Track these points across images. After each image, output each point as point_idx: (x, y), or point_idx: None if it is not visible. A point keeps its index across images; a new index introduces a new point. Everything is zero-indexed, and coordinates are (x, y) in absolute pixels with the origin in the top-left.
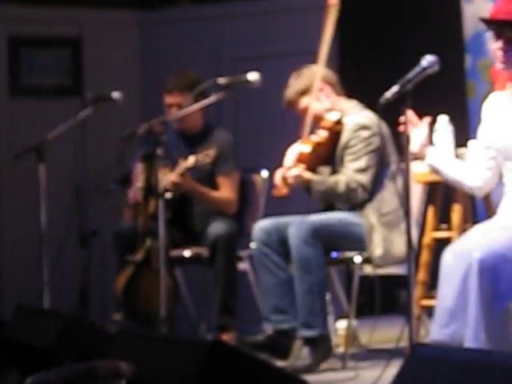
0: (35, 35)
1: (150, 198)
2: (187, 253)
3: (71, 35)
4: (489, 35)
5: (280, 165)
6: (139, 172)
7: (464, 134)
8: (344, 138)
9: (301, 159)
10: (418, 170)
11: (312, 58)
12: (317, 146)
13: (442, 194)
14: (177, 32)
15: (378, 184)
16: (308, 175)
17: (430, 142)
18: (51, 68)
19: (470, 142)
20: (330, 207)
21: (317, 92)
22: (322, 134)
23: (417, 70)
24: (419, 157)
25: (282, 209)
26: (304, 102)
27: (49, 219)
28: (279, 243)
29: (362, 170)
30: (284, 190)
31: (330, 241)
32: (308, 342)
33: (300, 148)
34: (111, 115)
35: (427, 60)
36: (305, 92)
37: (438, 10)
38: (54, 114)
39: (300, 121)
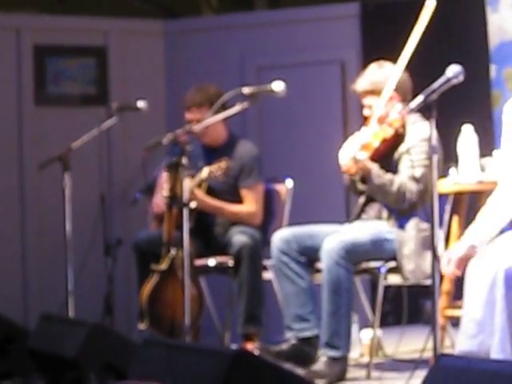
0: (60, 44)
1: (174, 207)
2: (212, 262)
3: (96, 45)
4: None
5: (303, 175)
6: (164, 181)
7: (489, 143)
8: (407, 143)
9: (367, 148)
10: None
11: (337, 67)
12: (383, 141)
13: (466, 203)
14: (202, 41)
15: (423, 201)
16: (371, 164)
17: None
18: (76, 77)
19: (495, 152)
20: (358, 216)
21: (387, 99)
22: (388, 132)
23: (442, 80)
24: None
25: (306, 218)
26: (368, 100)
27: (74, 228)
28: (298, 252)
29: (415, 180)
30: (353, 169)
31: (361, 259)
32: (328, 358)
33: (369, 138)
34: (136, 124)
35: (452, 70)
36: (372, 92)
37: (463, 20)
38: (79, 123)
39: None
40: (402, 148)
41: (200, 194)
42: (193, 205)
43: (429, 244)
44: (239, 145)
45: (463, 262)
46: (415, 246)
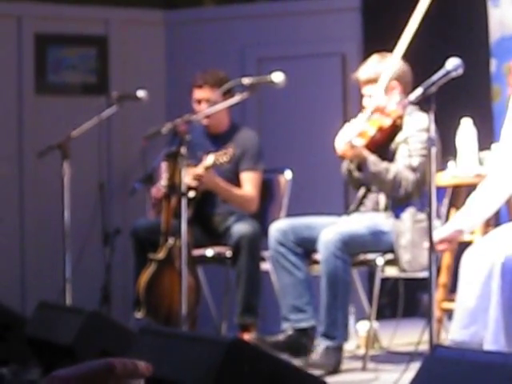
0: (61, 33)
1: (173, 196)
2: (209, 252)
3: (97, 34)
4: None
5: (304, 166)
6: (163, 171)
7: (488, 137)
8: (404, 133)
9: (363, 135)
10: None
11: (338, 59)
12: (379, 130)
13: (464, 197)
14: (202, 31)
15: (419, 190)
16: (366, 152)
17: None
18: (77, 66)
19: (494, 146)
20: (357, 208)
21: (388, 89)
22: (386, 121)
23: (441, 72)
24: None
25: (304, 209)
26: (368, 90)
27: (72, 217)
28: (295, 243)
29: (412, 169)
30: (349, 153)
31: (358, 251)
32: (325, 349)
33: (365, 126)
34: (136, 114)
35: (452, 63)
36: (373, 81)
37: (464, 14)
38: (79, 112)
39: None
40: (399, 138)
41: (212, 173)
42: (191, 194)
43: (425, 235)
44: (241, 132)
45: (446, 244)
46: (412, 237)
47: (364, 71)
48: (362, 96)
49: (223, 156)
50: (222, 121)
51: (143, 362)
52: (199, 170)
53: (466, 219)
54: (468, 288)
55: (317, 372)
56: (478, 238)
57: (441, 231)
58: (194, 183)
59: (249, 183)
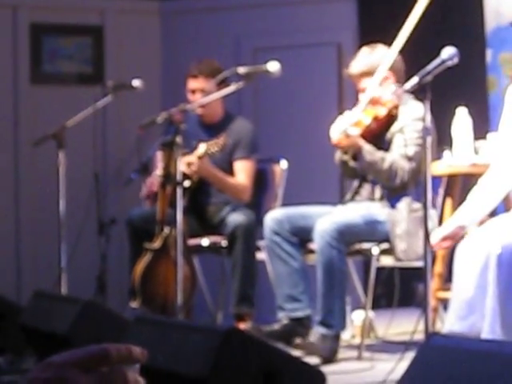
0: (57, 23)
1: (168, 185)
2: (205, 242)
3: (93, 23)
4: None
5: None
6: (159, 160)
7: (484, 126)
8: (400, 122)
9: (358, 125)
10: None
11: (334, 49)
12: (374, 119)
13: (459, 186)
14: (198, 22)
15: (415, 180)
16: (362, 141)
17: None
18: (72, 56)
19: (490, 135)
20: (353, 197)
21: (382, 79)
22: (381, 111)
23: (436, 61)
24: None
25: (300, 199)
26: (364, 83)
27: (67, 206)
28: (290, 232)
29: (408, 158)
30: (344, 142)
31: (354, 240)
32: (321, 336)
33: (361, 116)
34: (131, 103)
35: (447, 52)
36: (368, 74)
37: (459, 3)
38: (75, 101)
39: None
40: (394, 127)
41: (206, 161)
42: (186, 183)
43: (421, 224)
44: (236, 121)
45: (449, 240)
46: (407, 226)
47: (356, 65)
48: (357, 91)
49: (214, 146)
50: (216, 110)
51: (138, 348)
52: (193, 158)
53: (468, 214)
54: (464, 279)
55: (312, 360)
56: (473, 229)
57: (443, 228)
58: (187, 170)
59: (242, 172)
